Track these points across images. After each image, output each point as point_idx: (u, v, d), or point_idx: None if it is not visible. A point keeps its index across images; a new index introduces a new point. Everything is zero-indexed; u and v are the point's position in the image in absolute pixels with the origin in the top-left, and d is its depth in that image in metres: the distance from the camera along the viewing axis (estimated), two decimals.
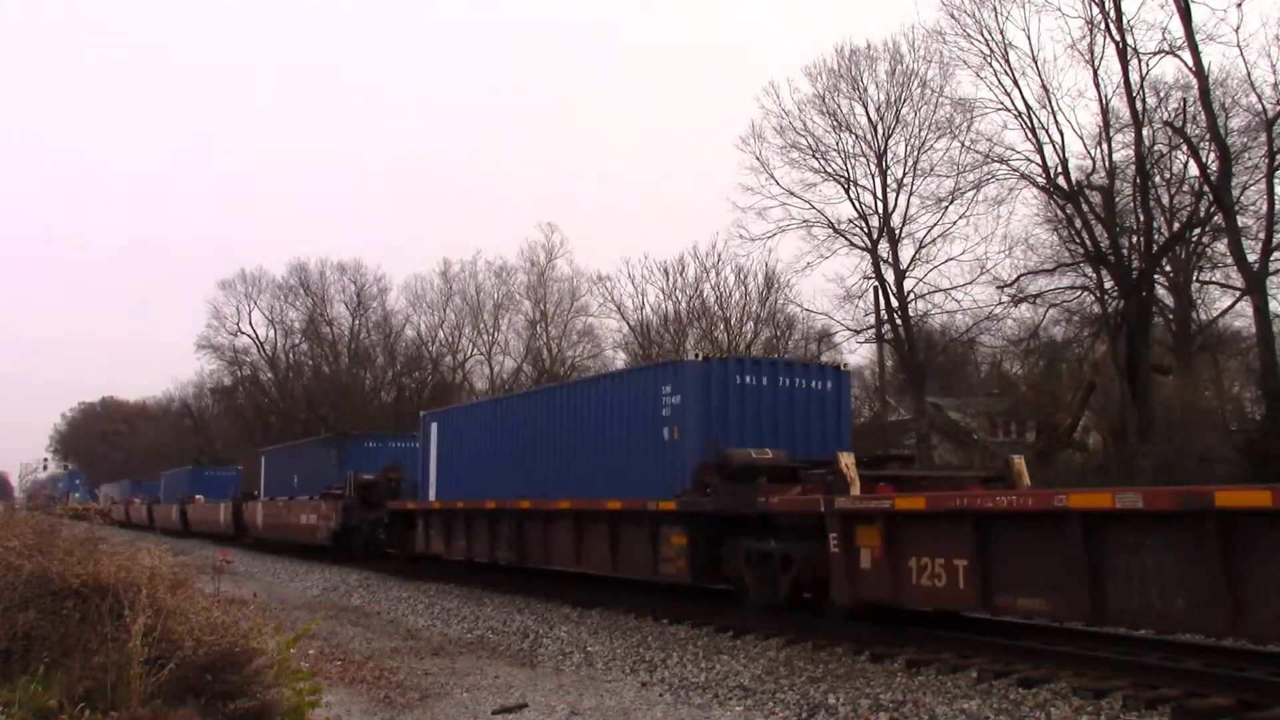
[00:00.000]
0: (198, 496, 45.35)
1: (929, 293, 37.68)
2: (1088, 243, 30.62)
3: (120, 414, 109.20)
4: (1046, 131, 31.43)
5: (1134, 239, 30.53)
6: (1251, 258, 27.34)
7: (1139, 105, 28.96)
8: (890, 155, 38.13)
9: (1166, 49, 27.81)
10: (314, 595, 20.35)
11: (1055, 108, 31.34)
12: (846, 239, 38.89)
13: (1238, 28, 28.37)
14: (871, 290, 37.85)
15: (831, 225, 38.96)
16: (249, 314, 69.02)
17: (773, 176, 39.33)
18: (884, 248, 38.25)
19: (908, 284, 37.96)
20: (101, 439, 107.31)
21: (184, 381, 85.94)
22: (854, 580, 10.74)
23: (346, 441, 30.73)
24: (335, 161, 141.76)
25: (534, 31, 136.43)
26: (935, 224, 37.26)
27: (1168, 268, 33.35)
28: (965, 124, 34.19)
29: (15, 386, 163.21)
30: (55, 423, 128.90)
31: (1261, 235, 27.93)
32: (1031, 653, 9.67)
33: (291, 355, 69.84)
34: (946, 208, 36.53)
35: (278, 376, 69.26)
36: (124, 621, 6.48)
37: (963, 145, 34.53)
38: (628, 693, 9.75)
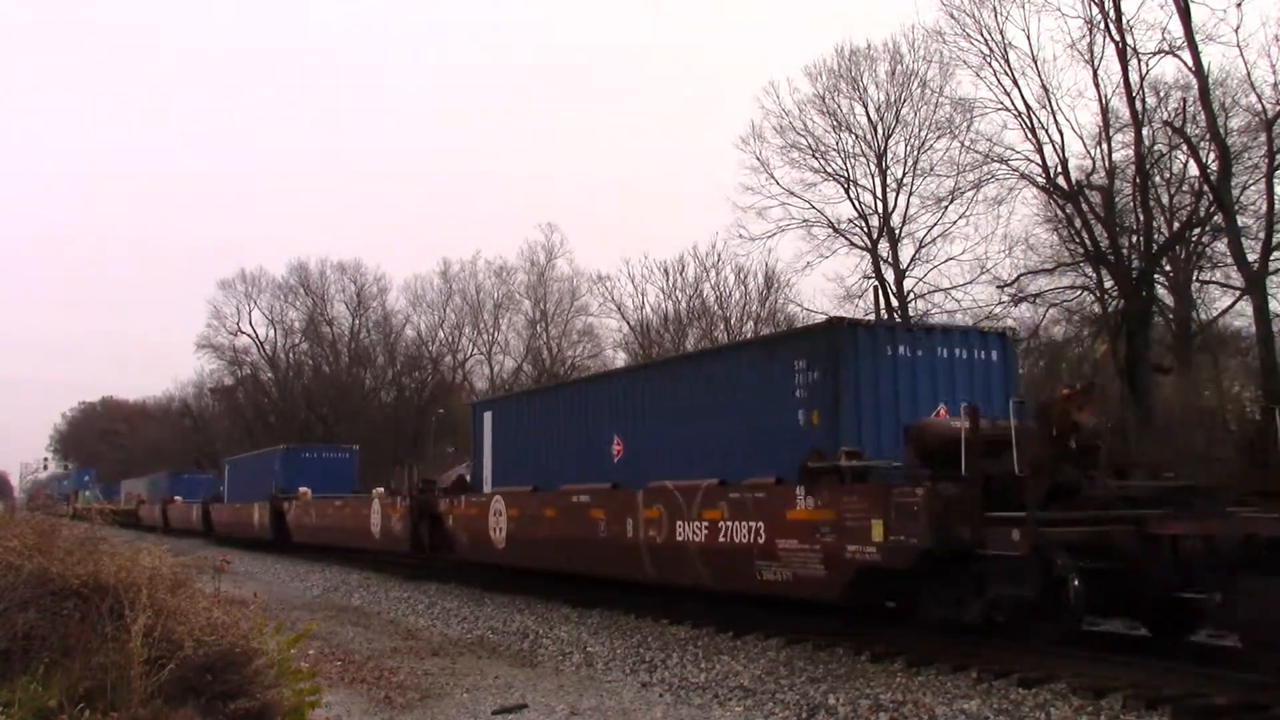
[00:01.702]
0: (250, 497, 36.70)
1: (929, 292, 37.70)
2: (1088, 243, 30.62)
3: (120, 414, 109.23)
4: (1046, 131, 31.43)
5: (1134, 239, 30.53)
6: (1251, 257, 27.33)
7: (1139, 105, 28.96)
8: (890, 155, 38.17)
9: (1166, 49, 27.81)
10: (314, 595, 20.35)
11: (1055, 108, 31.34)
12: (846, 239, 38.93)
13: (1238, 28, 28.11)
14: (871, 290, 37.87)
15: (831, 225, 38.99)
16: (249, 314, 69.13)
17: (773, 176, 39.37)
18: (884, 247, 38.28)
19: (908, 284, 37.99)
20: (101, 439, 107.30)
21: (184, 381, 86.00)
22: None
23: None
24: (335, 161, 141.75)
25: (534, 31, 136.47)
26: (935, 224, 37.31)
27: (1168, 268, 33.33)
28: (965, 124, 34.19)
29: (15, 386, 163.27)
30: (55, 423, 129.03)
31: (1261, 235, 27.93)
32: (1031, 653, 9.67)
33: (291, 355, 69.91)
34: (946, 208, 36.57)
35: (278, 376, 69.31)
36: (124, 622, 6.48)
37: (963, 145, 34.54)
38: (628, 693, 9.75)
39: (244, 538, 35.54)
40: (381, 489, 26.52)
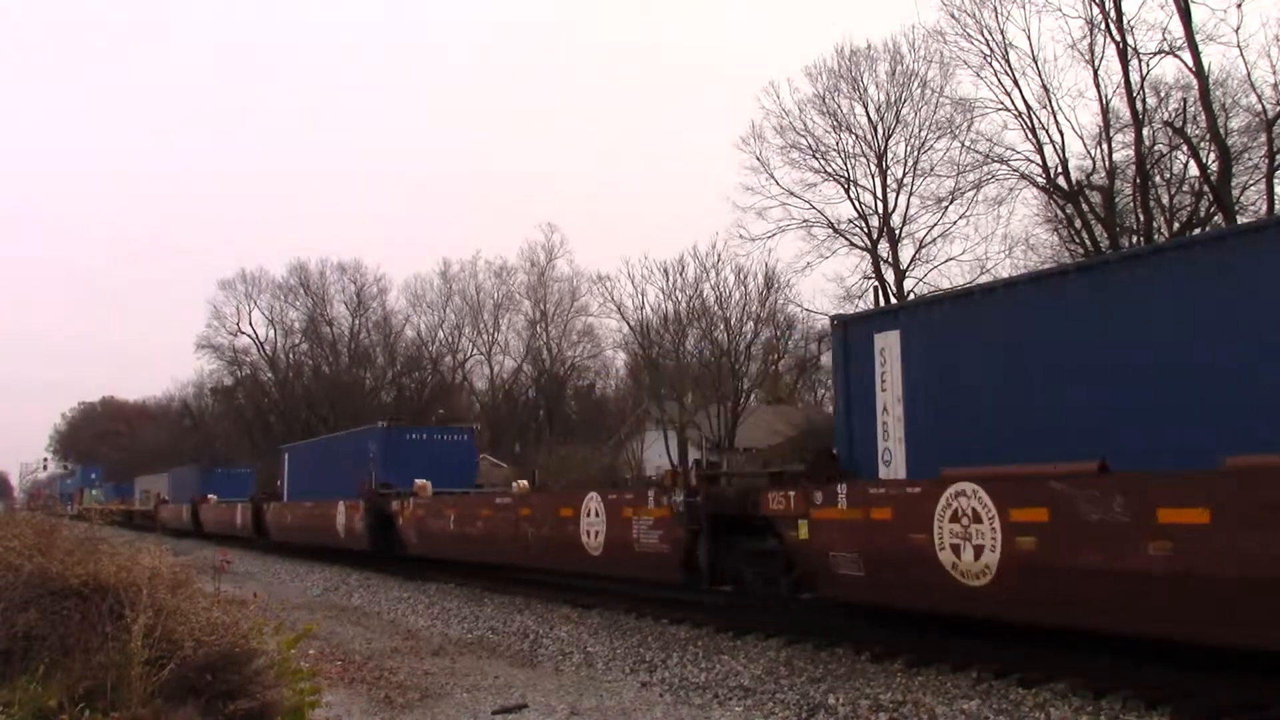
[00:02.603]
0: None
1: (928, 293, 37.70)
2: (1088, 243, 30.64)
3: (120, 414, 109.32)
4: (1046, 131, 31.50)
5: (1134, 239, 30.54)
6: None
7: (1139, 105, 29.01)
8: (890, 155, 38.26)
9: (1166, 49, 27.88)
10: (314, 595, 20.34)
11: (1055, 108, 31.45)
12: (846, 239, 38.99)
13: (1238, 28, 28.47)
14: (871, 290, 37.93)
15: (831, 225, 39.04)
16: (249, 314, 69.21)
17: (773, 176, 39.44)
18: (884, 248, 38.34)
19: (908, 284, 38.05)
20: (101, 439, 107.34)
21: (184, 381, 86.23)
22: None
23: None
24: (335, 161, 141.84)
25: (534, 31, 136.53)
26: (935, 224, 37.41)
27: None
28: (965, 124, 34.29)
29: (15, 386, 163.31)
30: (55, 423, 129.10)
31: None
32: (1031, 653, 9.66)
33: (291, 355, 69.97)
34: (946, 208, 36.66)
35: (278, 376, 69.34)
36: (124, 621, 6.48)
37: (963, 145, 34.63)
38: (628, 693, 9.75)
39: (318, 545, 27.37)
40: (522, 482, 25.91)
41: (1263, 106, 27.82)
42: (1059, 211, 32.33)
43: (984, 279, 35.18)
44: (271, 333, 69.53)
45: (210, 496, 40.08)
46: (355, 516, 23.98)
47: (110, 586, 6.87)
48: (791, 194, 39.24)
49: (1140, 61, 28.61)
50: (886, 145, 38.18)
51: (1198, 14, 26.91)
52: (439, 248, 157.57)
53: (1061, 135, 31.65)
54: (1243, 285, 8.45)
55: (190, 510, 41.04)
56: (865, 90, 38.36)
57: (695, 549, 12.77)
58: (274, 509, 31.40)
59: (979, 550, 9.08)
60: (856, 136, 38.65)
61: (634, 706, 9.13)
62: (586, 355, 57.36)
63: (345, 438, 30.48)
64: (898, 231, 38.22)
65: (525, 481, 24.00)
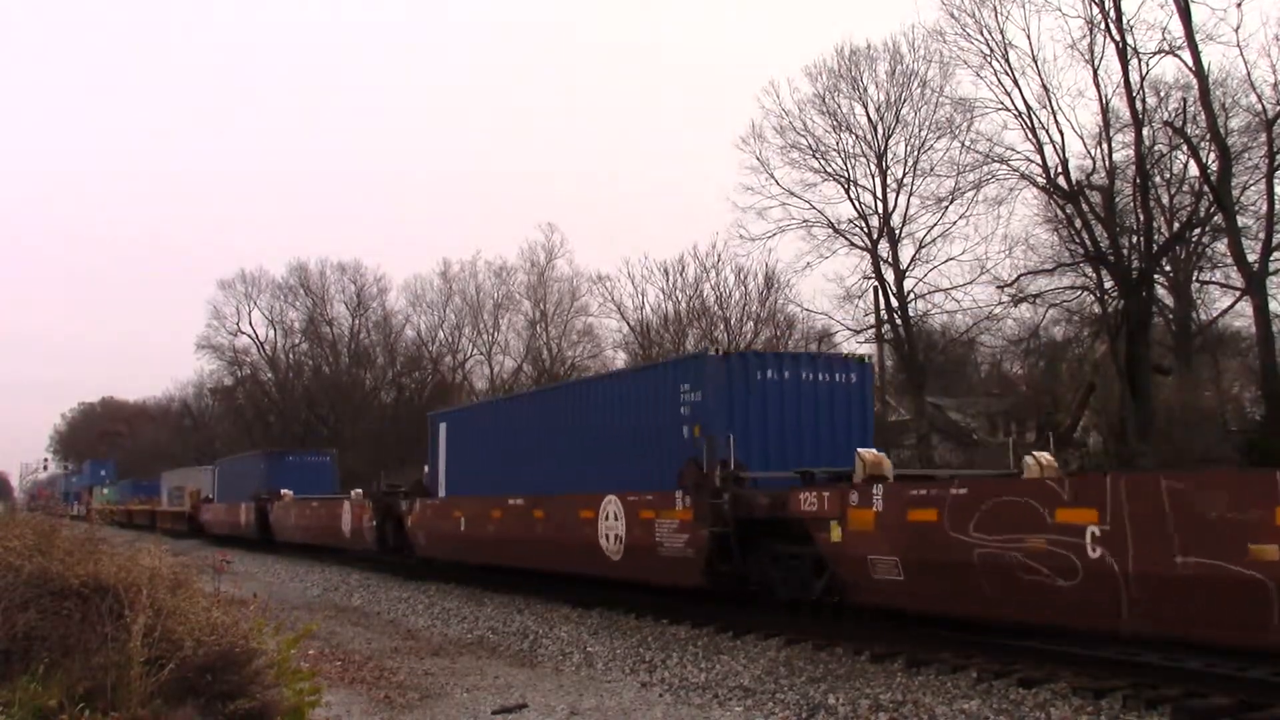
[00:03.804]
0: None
1: (929, 293, 37.74)
2: (1088, 243, 30.63)
3: (120, 414, 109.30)
4: (1046, 131, 31.47)
5: (1134, 239, 30.55)
6: (1251, 258, 27.35)
7: (1139, 105, 28.99)
8: (890, 155, 38.20)
9: (1166, 49, 27.85)
10: (314, 595, 20.35)
11: (1055, 108, 31.38)
12: (846, 239, 38.94)
13: (1238, 28, 28.27)
14: (871, 290, 37.92)
15: (831, 225, 39.01)
16: (249, 314, 69.16)
17: (773, 176, 39.38)
18: (884, 248, 38.30)
19: (908, 284, 38.02)
20: (101, 439, 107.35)
21: (184, 381, 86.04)
22: None
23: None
24: (335, 161, 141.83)
25: (534, 31, 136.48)
26: (935, 224, 37.33)
27: (1168, 268, 33.36)
28: (965, 124, 34.23)
29: (15, 386, 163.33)
30: (55, 423, 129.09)
31: (1261, 235, 27.96)
32: (1031, 653, 9.67)
33: (291, 355, 69.94)
34: (946, 208, 36.59)
35: (278, 376, 69.33)
36: (124, 622, 6.48)
37: (963, 145, 34.58)
38: (628, 693, 9.75)
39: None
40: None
41: (1263, 106, 27.82)
42: (1059, 211, 32.32)
43: (984, 279, 35.30)
44: (271, 333, 69.57)
45: (285, 493, 31.73)
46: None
47: (110, 587, 6.87)
48: (791, 194, 39.22)
49: (1140, 61, 28.61)
50: (886, 145, 38.18)
51: (1198, 13, 26.91)
52: (439, 248, 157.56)
53: (1061, 135, 31.60)
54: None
55: (254, 511, 32.96)
56: (865, 90, 38.35)
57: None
58: (429, 510, 21.14)
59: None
60: (856, 136, 38.65)
61: (634, 706, 9.13)
62: (586, 355, 57.30)
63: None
64: (898, 231, 38.21)
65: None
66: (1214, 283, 33.82)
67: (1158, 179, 30.76)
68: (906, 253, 38.24)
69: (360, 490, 26.33)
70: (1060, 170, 31.22)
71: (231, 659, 6.47)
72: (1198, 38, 26.88)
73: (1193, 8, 26.73)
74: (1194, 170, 29.40)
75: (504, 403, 23.56)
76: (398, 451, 48.51)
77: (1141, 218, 30.10)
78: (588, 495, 15.11)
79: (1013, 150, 32.66)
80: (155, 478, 59.94)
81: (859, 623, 11.31)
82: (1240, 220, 28.16)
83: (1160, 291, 33.37)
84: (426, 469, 22.27)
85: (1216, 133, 27.16)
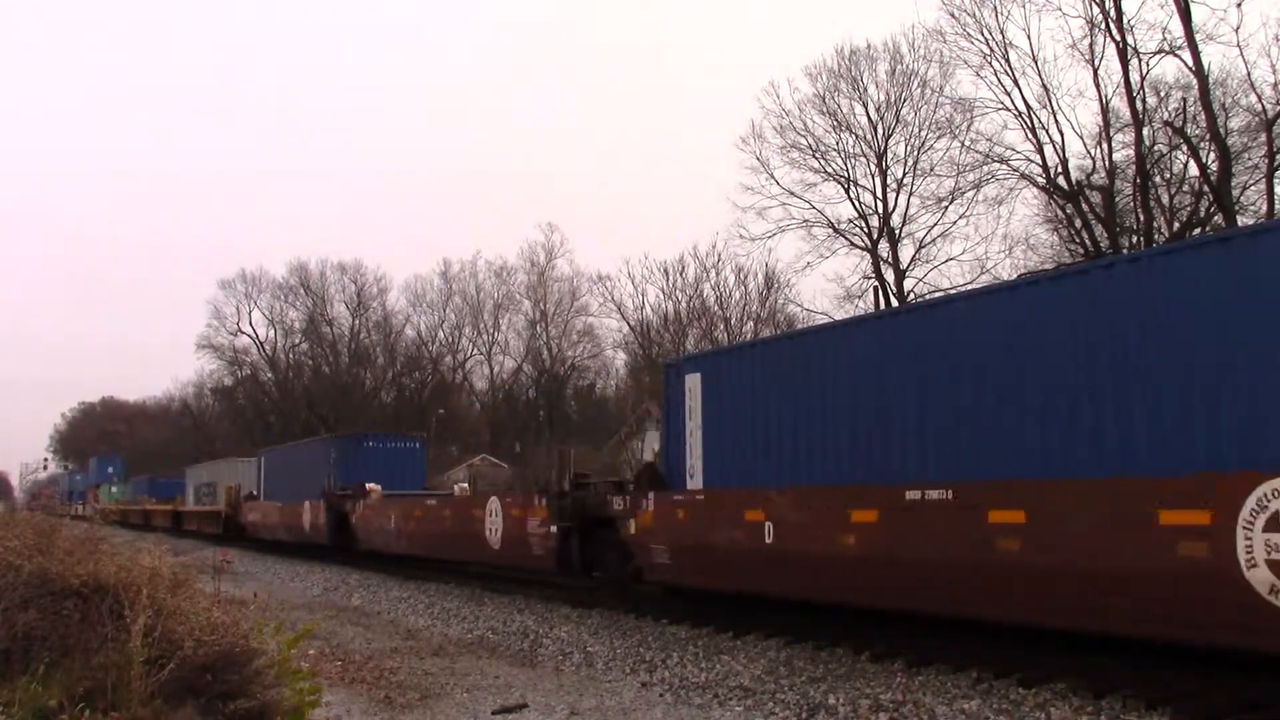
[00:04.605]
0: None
1: (929, 292, 37.74)
2: (1088, 243, 30.65)
3: (120, 414, 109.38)
4: (1046, 131, 31.52)
5: (1134, 239, 30.57)
6: None
7: (1139, 105, 29.03)
8: (890, 155, 38.28)
9: (1166, 49, 27.90)
10: (314, 595, 20.34)
11: (1055, 108, 31.46)
12: (846, 239, 39.01)
13: (1238, 28, 28.50)
14: (871, 290, 37.96)
15: (831, 225, 39.07)
16: (249, 314, 69.28)
17: (773, 176, 39.47)
18: (884, 248, 38.36)
19: (908, 284, 38.07)
20: (101, 439, 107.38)
21: (184, 381, 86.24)
22: None
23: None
24: (336, 161, 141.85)
25: (534, 31, 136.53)
26: (935, 224, 37.43)
27: None
28: (965, 124, 34.32)
29: (15, 386, 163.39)
30: (55, 423, 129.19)
31: None
32: (1032, 653, 9.66)
33: (291, 355, 70.04)
34: (946, 208, 36.68)
35: (278, 376, 69.41)
36: (124, 621, 6.48)
37: (963, 145, 34.65)
38: (628, 693, 9.75)
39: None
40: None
41: (1263, 106, 27.86)
42: (1059, 211, 32.38)
43: (984, 279, 35.30)
44: (271, 333, 69.69)
45: (372, 487, 25.17)
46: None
47: (110, 586, 6.87)
48: (791, 194, 39.32)
49: (1140, 61, 28.67)
50: (886, 145, 38.27)
51: (1198, 14, 26.96)
52: (439, 248, 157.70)
53: (1061, 135, 31.72)
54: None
55: (325, 512, 25.98)
56: (865, 90, 38.44)
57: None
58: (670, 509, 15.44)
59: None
60: (856, 136, 38.74)
61: (634, 706, 9.13)
62: (586, 355, 57.47)
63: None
64: (898, 231, 38.30)
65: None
66: None
67: (1158, 179, 30.80)
68: (906, 253, 38.37)
69: (536, 483, 21.94)
70: (1060, 170, 31.29)
71: (232, 659, 6.47)
72: (1198, 38, 26.93)
73: (1193, 8, 26.79)
74: (1194, 170, 29.45)
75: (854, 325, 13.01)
76: None
77: (1141, 218, 30.14)
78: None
79: (1013, 150, 32.76)
80: (174, 474, 53.29)
81: (859, 623, 11.32)
82: (1240, 220, 28.16)
83: None
84: (656, 447, 18.17)
85: (1216, 133, 27.18)
